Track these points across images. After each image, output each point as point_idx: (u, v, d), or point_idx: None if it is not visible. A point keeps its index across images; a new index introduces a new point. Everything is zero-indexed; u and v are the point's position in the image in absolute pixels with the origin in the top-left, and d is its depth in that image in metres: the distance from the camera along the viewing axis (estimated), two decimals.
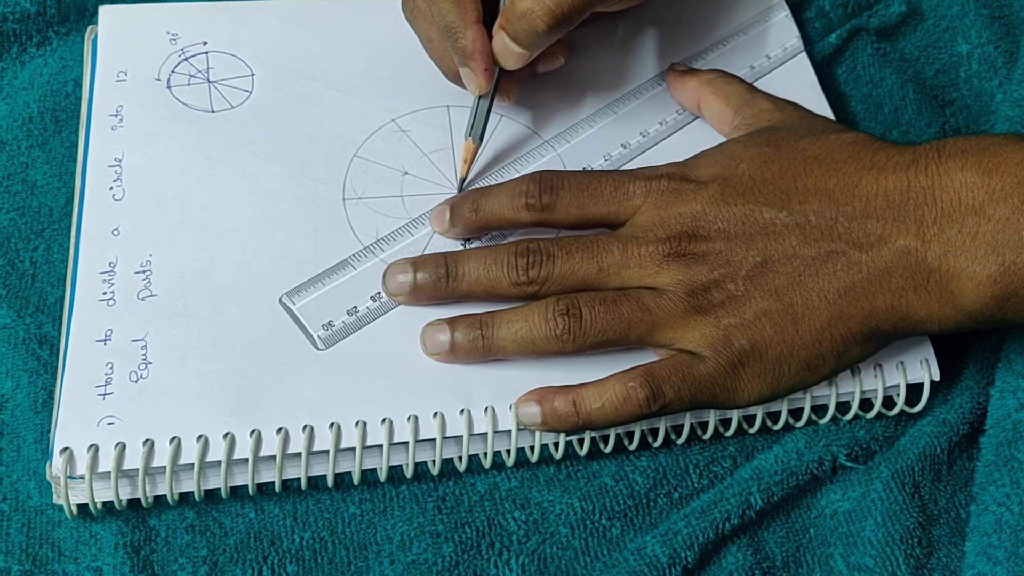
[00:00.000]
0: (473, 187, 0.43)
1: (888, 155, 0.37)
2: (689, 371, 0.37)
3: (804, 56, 0.48)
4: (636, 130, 0.45)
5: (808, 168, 0.38)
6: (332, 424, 0.37)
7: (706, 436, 0.40)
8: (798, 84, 0.47)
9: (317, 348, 0.39)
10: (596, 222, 0.39)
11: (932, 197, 0.36)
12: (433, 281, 0.39)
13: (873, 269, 0.36)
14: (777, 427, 0.40)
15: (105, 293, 0.39)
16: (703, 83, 0.44)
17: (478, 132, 0.42)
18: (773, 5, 0.49)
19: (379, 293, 0.40)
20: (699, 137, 0.44)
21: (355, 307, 0.40)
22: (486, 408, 0.38)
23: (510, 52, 0.40)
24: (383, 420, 0.37)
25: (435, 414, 0.38)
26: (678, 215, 0.38)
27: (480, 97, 0.42)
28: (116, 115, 0.43)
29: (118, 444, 0.36)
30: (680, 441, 0.39)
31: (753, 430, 0.40)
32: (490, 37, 0.40)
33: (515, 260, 0.38)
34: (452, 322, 0.38)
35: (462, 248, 0.41)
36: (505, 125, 0.45)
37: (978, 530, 0.37)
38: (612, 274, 0.38)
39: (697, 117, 0.45)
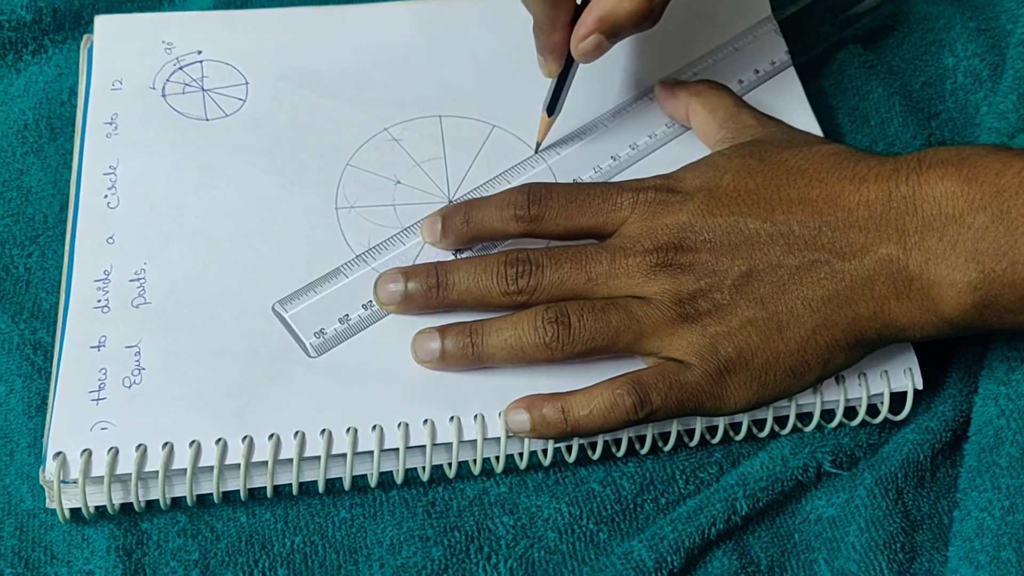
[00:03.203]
0: (464, 199, 0.43)
1: (869, 165, 0.38)
2: (676, 378, 0.37)
3: (792, 70, 0.48)
4: (626, 142, 0.45)
5: (791, 179, 0.38)
6: (323, 431, 0.37)
7: (693, 443, 0.40)
8: (786, 97, 0.47)
9: (309, 355, 0.39)
10: (584, 233, 0.40)
11: (913, 206, 0.36)
12: (424, 291, 0.39)
13: (856, 277, 0.37)
14: (763, 434, 0.40)
15: (99, 301, 0.39)
16: (692, 94, 0.45)
17: (553, 107, 0.44)
18: (761, 20, 0.49)
19: (371, 302, 0.40)
20: (688, 149, 0.45)
21: (347, 315, 0.40)
22: (476, 415, 0.38)
23: (602, 51, 0.40)
24: (374, 427, 0.38)
25: (425, 421, 0.38)
26: (665, 226, 0.38)
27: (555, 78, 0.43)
28: (111, 123, 0.43)
29: (111, 449, 0.36)
30: (667, 448, 0.40)
31: (739, 437, 0.40)
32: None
33: (504, 270, 0.39)
34: (442, 330, 0.39)
35: (453, 258, 0.41)
36: (496, 137, 0.45)
37: (961, 535, 0.38)
38: (600, 284, 0.38)
39: (686, 130, 0.46)
